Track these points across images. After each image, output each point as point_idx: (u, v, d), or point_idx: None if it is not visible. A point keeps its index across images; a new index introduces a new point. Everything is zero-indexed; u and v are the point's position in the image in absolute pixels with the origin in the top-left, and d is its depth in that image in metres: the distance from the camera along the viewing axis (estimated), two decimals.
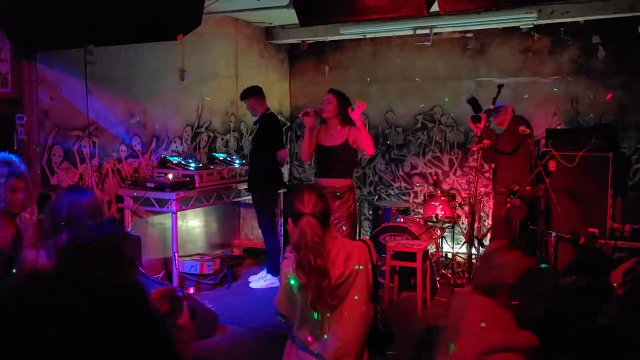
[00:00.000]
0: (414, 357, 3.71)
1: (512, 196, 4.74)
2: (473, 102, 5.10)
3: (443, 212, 5.75)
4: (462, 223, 6.57)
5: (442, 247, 6.26)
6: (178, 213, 5.36)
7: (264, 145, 5.76)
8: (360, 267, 2.43)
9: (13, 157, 3.12)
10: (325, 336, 2.39)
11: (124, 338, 0.70)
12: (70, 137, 5.00)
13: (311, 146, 4.94)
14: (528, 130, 4.87)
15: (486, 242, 6.65)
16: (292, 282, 2.37)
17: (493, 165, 5.99)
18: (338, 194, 4.70)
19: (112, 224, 2.43)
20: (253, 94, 5.87)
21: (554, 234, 4.71)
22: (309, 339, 2.41)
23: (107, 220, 2.40)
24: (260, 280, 5.76)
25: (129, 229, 5.27)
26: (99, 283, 0.75)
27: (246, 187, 6.16)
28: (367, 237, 6.06)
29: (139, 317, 0.74)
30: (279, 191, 6.11)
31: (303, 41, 7.65)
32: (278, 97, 7.85)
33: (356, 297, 2.41)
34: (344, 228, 4.64)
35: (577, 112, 6.51)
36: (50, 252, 2.47)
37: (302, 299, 2.38)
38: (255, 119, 6.04)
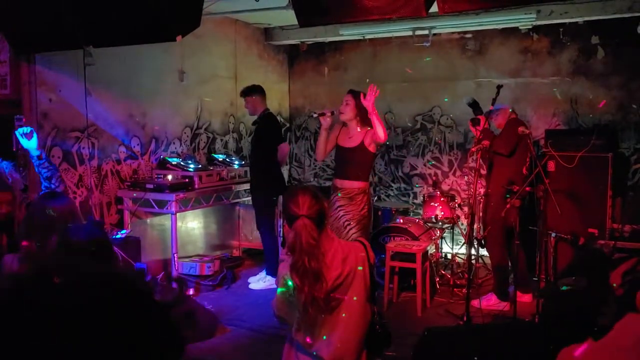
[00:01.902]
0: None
1: (507, 196, 4.73)
2: (474, 105, 5.10)
3: (442, 213, 5.75)
4: (462, 224, 6.57)
5: (441, 248, 6.25)
6: (177, 214, 5.36)
7: (264, 144, 5.75)
8: (360, 268, 2.43)
9: None
10: (324, 337, 2.39)
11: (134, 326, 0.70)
12: (69, 139, 5.00)
13: (327, 146, 4.83)
14: (527, 131, 4.87)
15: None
16: (289, 284, 2.37)
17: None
18: (339, 193, 4.66)
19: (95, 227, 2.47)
20: (256, 91, 5.84)
21: (553, 234, 4.71)
22: (308, 340, 2.41)
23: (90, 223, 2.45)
24: (260, 281, 5.76)
25: (128, 231, 5.26)
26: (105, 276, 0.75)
27: (245, 188, 6.17)
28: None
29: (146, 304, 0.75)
30: (280, 194, 6.06)
31: (302, 42, 7.66)
32: (277, 98, 7.85)
33: (355, 298, 2.41)
34: (352, 230, 4.57)
35: (577, 112, 6.51)
36: (22, 257, 2.49)
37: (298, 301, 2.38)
38: (253, 119, 6.03)
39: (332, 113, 4.76)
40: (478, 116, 5.07)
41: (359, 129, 4.69)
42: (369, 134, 4.62)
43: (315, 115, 4.85)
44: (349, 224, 4.57)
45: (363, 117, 4.66)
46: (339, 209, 4.60)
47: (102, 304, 0.69)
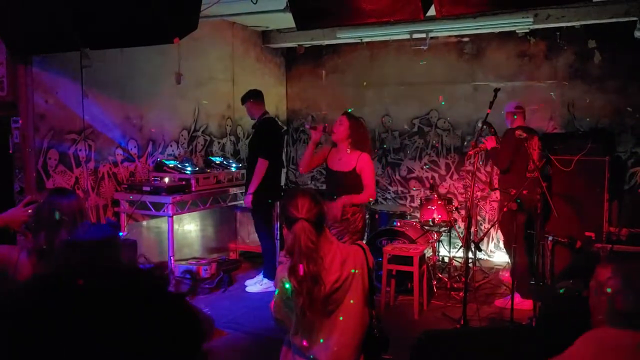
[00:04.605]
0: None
1: (518, 200, 4.76)
2: (488, 124, 5.12)
3: (440, 216, 5.74)
4: (459, 227, 6.57)
5: (438, 251, 6.25)
6: (174, 217, 5.35)
7: (260, 148, 5.73)
8: (356, 271, 2.42)
9: None
10: (321, 340, 2.38)
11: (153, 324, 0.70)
12: (66, 141, 4.98)
13: (313, 161, 4.71)
14: (524, 134, 4.88)
15: (483, 246, 6.67)
16: (287, 286, 2.36)
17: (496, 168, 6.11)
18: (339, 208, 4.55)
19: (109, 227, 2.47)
20: (249, 97, 5.85)
21: (550, 237, 4.71)
22: (305, 344, 2.39)
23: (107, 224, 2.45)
24: (257, 284, 5.75)
25: (125, 233, 5.25)
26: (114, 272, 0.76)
27: (243, 190, 6.15)
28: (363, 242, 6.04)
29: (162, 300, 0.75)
30: (276, 198, 6.03)
31: (300, 45, 7.65)
32: (275, 101, 7.85)
33: (352, 302, 2.40)
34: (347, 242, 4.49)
35: (574, 116, 6.52)
36: (31, 253, 2.51)
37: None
38: (252, 121, 6.02)
39: (324, 129, 4.61)
40: (485, 137, 5.21)
41: (349, 152, 4.53)
42: (361, 160, 4.48)
43: (307, 127, 4.80)
44: (340, 236, 4.49)
45: (355, 140, 4.53)
46: (331, 228, 4.43)
47: (122, 301, 0.70)
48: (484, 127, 4.99)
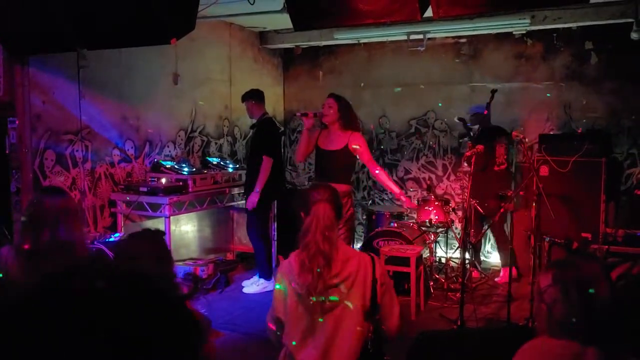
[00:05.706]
0: None
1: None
2: (463, 120, 5.21)
3: (437, 217, 5.74)
4: (456, 228, 6.57)
5: (435, 252, 6.25)
6: (171, 217, 5.34)
7: (259, 149, 5.72)
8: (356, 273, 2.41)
9: None
10: (313, 344, 2.37)
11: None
12: (62, 141, 4.97)
13: (308, 148, 4.89)
14: (522, 135, 4.89)
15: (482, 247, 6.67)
16: (279, 287, 2.38)
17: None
18: None
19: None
20: (252, 97, 5.84)
21: (547, 239, 4.72)
22: (297, 345, 2.39)
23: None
24: (254, 285, 5.74)
25: (121, 234, 5.23)
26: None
27: (240, 191, 6.14)
28: (362, 243, 6.07)
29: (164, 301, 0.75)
30: (275, 199, 6.02)
31: (297, 46, 7.66)
32: (272, 102, 7.84)
33: (350, 307, 2.37)
34: (340, 231, 4.59)
35: (570, 117, 6.54)
36: (18, 253, 2.50)
37: (295, 300, 2.36)
38: (249, 122, 6.02)
39: (315, 115, 4.83)
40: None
41: (340, 132, 4.74)
42: (352, 137, 4.71)
43: (298, 115, 4.97)
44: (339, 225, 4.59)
45: (345, 121, 4.75)
46: None
47: (122, 302, 0.70)
48: (461, 122, 5.08)
